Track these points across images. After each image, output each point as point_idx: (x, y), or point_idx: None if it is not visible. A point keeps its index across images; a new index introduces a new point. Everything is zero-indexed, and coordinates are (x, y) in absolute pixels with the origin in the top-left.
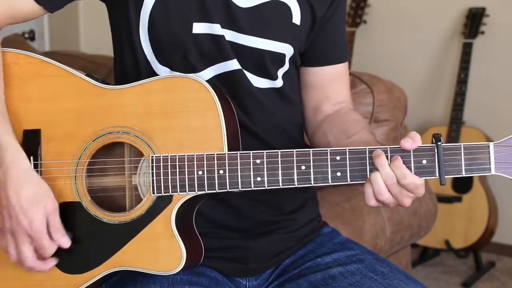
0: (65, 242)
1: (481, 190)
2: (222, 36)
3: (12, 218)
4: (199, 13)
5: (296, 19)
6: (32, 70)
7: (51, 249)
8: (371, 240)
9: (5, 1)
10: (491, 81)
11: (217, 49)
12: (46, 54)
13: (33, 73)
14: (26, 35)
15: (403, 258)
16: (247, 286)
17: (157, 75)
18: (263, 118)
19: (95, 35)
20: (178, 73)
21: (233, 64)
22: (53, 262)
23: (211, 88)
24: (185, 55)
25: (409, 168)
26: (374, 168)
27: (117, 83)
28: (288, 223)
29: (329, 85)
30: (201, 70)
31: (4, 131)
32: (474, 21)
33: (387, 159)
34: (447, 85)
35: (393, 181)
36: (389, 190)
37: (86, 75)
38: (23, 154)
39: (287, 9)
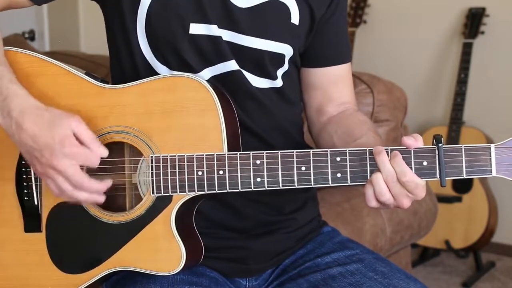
0: (104, 150)
1: (481, 190)
2: (220, 37)
3: (43, 151)
4: (196, 13)
5: (295, 19)
6: (31, 69)
7: (94, 157)
8: (371, 240)
9: None
10: (491, 81)
11: (214, 50)
12: (46, 54)
13: (33, 72)
14: (26, 35)
15: (403, 258)
16: (247, 286)
17: (157, 74)
18: (263, 118)
19: (95, 35)
20: (177, 73)
21: (232, 65)
22: (110, 181)
23: (211, 88)
24: (182, 55)
25: None
26: (374, 169)
27: (115, 83)
28: (288, 223)
29: (332, 86)
30: (199, 71)
31: (9, 81)
32: (474, 21)
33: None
34: (447, 85)
35: (393, 179)
36: (390, 190)
37: (85, 74)
38: (28, 94)
39: (285, 9)
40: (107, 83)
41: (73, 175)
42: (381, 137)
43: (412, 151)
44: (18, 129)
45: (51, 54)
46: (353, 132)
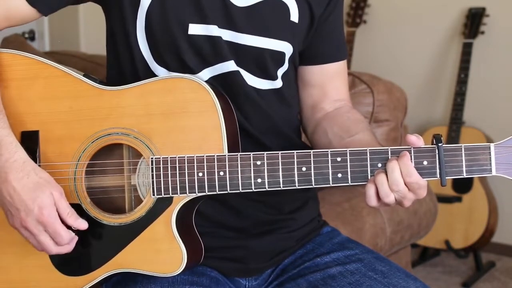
0: (82, 223)
1: (481, 190)
2: (219, 37)
3: (20, 210)
4: (195, 14)
5: (294, 17)
6: (30, 71)
7: (67, 234)
8: (371, 240)
9: (1, 3)
10: (491, 81)
11: (213, 51)
12: (46, 54)
13: (31, 74)
14: (26, 35)
15: (403, 258)
16: (247, 286)
17: (155, 75)
18: (260, 119)
19: (95, 35)
20: (177, 74)
21: (230, 65)
22: (75, 238)
23: (210, 89)
24: (181, 56)
25: None
26: (375, 169)
27: (113, 83)
28: (288, 222)
29: (328, 83)
30: (198, 72)
31: (0, 126)
32: (474, 21)
33: (389, 160)
34: (447, 85)
35: (398, 188)
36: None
37: (84, 75)
38: (20, 146)
39: (285, 7)
40: (105, 84)
41: (43, 242)
42: (377, 136)
43: (412, 150)
44: (2, 178)
45: (51, 54)
46: (349, 129)
